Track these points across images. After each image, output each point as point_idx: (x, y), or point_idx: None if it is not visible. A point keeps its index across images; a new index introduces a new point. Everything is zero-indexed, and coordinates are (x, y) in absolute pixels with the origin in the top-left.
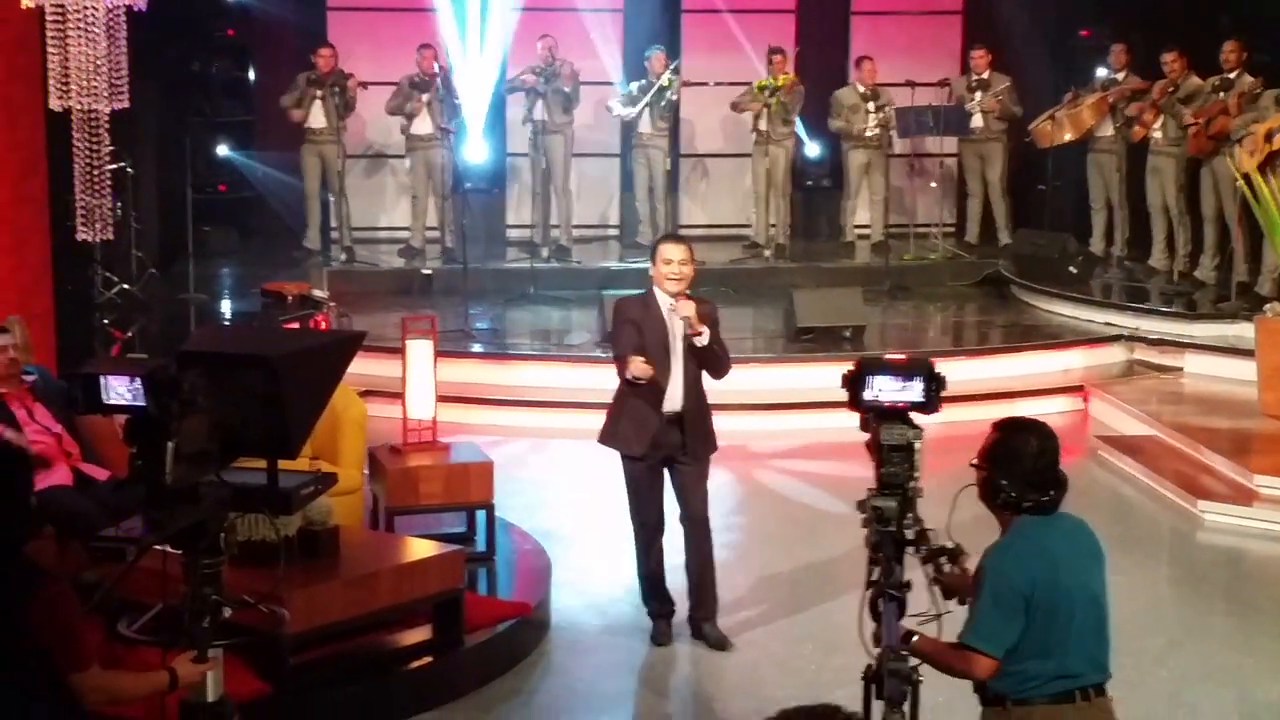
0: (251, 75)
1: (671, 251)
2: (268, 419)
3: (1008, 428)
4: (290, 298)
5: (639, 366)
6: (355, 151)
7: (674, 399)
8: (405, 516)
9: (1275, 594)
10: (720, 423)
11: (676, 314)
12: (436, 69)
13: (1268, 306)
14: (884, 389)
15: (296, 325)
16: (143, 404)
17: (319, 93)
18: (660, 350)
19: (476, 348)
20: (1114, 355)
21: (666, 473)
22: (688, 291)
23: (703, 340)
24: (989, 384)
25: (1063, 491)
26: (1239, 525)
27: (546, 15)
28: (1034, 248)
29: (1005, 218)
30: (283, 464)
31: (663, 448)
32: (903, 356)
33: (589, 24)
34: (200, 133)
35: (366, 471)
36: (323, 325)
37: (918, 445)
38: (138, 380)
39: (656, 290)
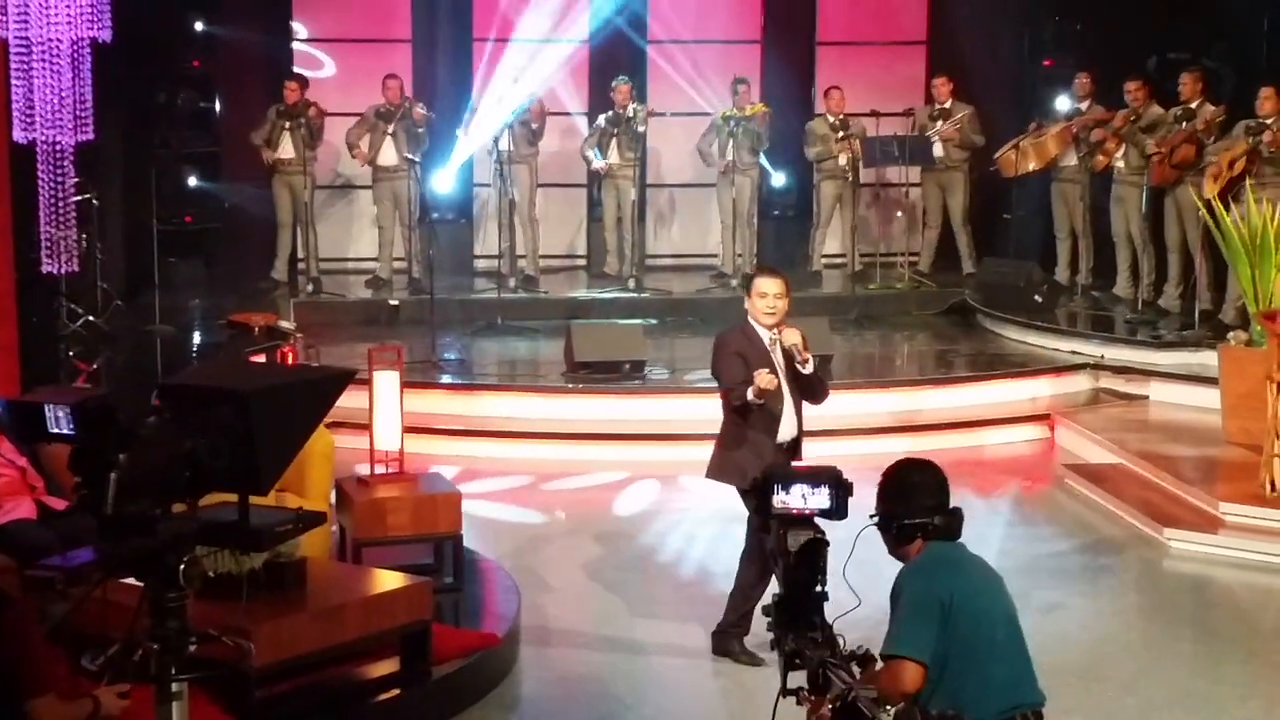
0: (217, 106)
1: (767, 285)
2: (238, 454)
3: (891, 468)
4: (257, 329)
5: (765, 378)
6: (323, 182)
7: (788, 427)
8: (373, 548)
9: (1242, 621)
10: (686, 453)
11: (781, 342)
12: (402, 99)
13: (1231, 335)
14: (791, 498)
15: (263, 356)
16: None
17: (287, 124)
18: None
19: (445, 378)
20: (1079, 383)
21: None
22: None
23: (809, 368)
24: (955, 413)
25: (960, 518)
26: (1205, 553)
27: (513, 46)
28: (999, 277)
29: (968, 247)
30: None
31: None
32: (809, 465)
33: (554, 55)
34: (166, 164)
35: (334, 503)
36: (289, 357)
37: (824, 551)
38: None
39: (752, 322)
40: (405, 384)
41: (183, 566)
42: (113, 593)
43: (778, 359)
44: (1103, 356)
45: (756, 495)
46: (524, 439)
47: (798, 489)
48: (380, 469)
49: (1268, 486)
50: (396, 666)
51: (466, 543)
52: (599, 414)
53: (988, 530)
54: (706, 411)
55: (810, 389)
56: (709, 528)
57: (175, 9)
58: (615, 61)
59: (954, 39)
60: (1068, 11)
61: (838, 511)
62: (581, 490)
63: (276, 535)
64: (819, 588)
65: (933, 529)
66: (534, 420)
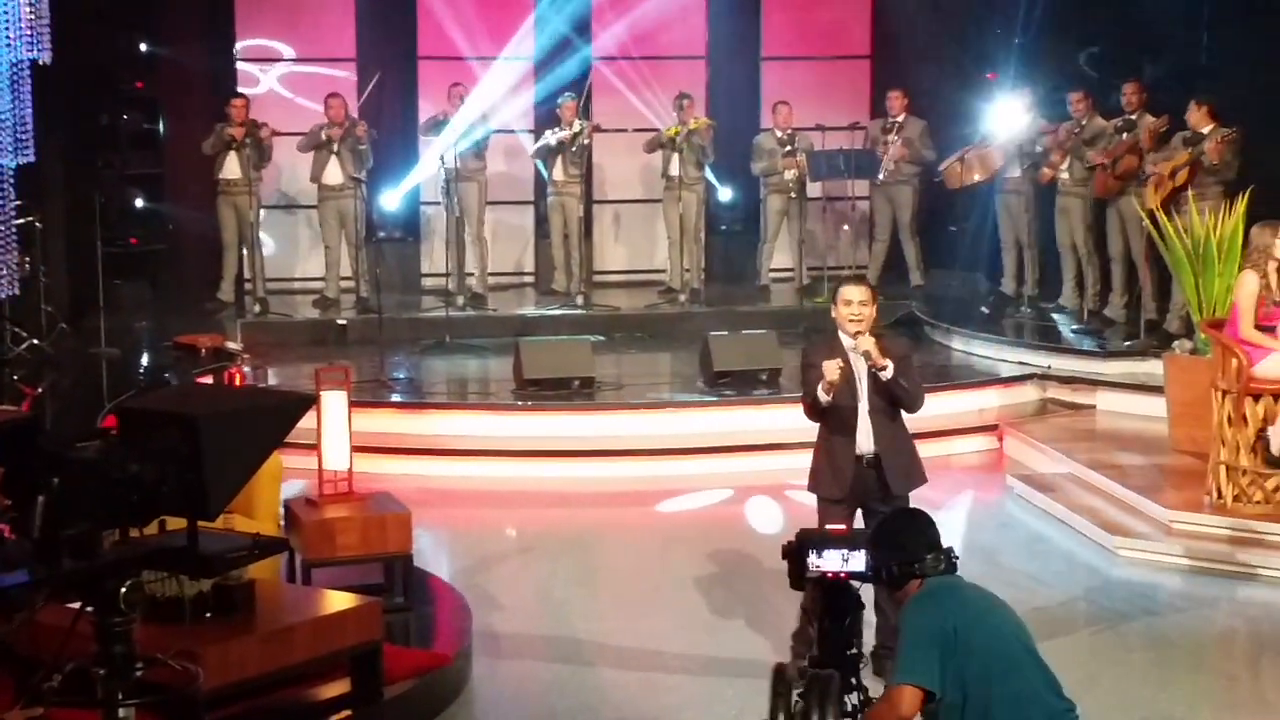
0: (161, 127)
1: (851, 293)
2: (187, 478)
3: (880, 522)
4: (203, 350)
5: (831, 367)
6: (269, 202)
7: (865, 441)
8: (322, 569)
9: (1190, 628)
10: (637, 468)
11: (856, 350)
12: (346, 118)
13: (1176, 344)
14: (827, 561)
15: (210, 378)
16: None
17: (233, 143)
18: (847, 392)
19: (393, 397)
20: (1027, 394)
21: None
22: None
23: (887, 374)
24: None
25: (952, 555)
26: (1153, 561)
27: (458, 64)
28: (946, 288)
29: (916, 259)
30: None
31: (860, 492)
32: (843, 528)
33: (500, 72)
34: (110, 185)
35: (282, 524)
36: (237, 378)
37: (860, 614)
38: None
39: (840, 334)
40: (354, 403)
41: (124, 591)
42: (54, 616)
43: (859, 369)
44: (1049, 367)
45: (792, 559)
46: (474, 457)
47: (834, 552)
48: (329, 489)
49: (1214, 494)
50: (347, 687)
51: (417, 562)
52: (549, 431)
53: None
54: (656, 427)
55: (898, 398)
56: (658, 542)
57: (118, 30)
58: (561, 78)
59: (898, 53)
60: (1009, 24)
61: (874, 575)
62: (532, 507)
63: (228, 562)
64: (853, 650)
65: (927, 566)
66: (484, 438)
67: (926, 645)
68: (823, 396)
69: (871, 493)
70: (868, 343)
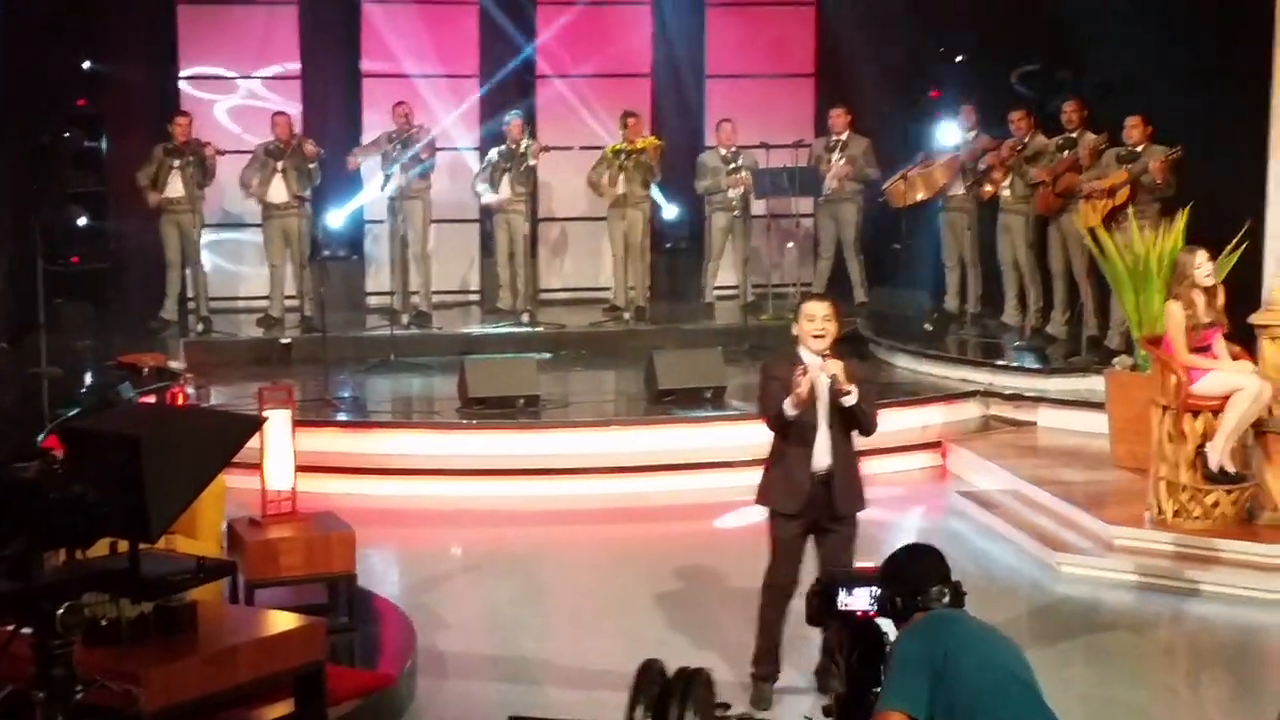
0: (104, 145)
1: (814, 308)
2: (129, 499)
3: (893, 556)
4: (146, 370)
5: (801, 380)
6: (212, 220)
7: (821, 457)
8: (266, 589)
9: (1132, 644)
10: (582, 487)
11: (824, 372)
12: (291, 136)
13: (1117, 360)
14: (856, 599)
15: (153, 398)
16: None
17: (176, 162)
18: (807, 408)
19: (338, 416)
20: (970, 411)
21: (811, 537)
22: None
23: (850, 400)
24: None
25: (960, 589)
26: (1095, 576)
27: (403, 81)
28: (890, 306)
29: (860, 276)
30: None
31: (813, 508)
32: (870, 565)
33: (445, 90)
34: (52, 204)
35: (225, 544)
36: (179, 398)
37: (885, 651)
38: None
39: (801, 349)
40: (298, 423)
41: (61, 613)
42: None
43: (821, 387)
44: (992, 383)
45: (820, 597)
46: (419, 476)
47: (863, 591)
48: (273, 509)
49: (1155, 509)
50: (291, 708)
51: (361, 582)
52: (494, 449)
53: (879, 559)
54: (601, 445)
55: (855, 421)
56: (604, 561)
57: (61, 48)
58: (506, 96)
59: (842, 71)
60: (952, 43)
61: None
62: (477, 526)
63: (171, 585)
64: (879, 688)
65: (931, 599)
66: (429, 457)
67: (914, 671)
68: (789, 410)
69: (822, 510)
70: (835, 367)
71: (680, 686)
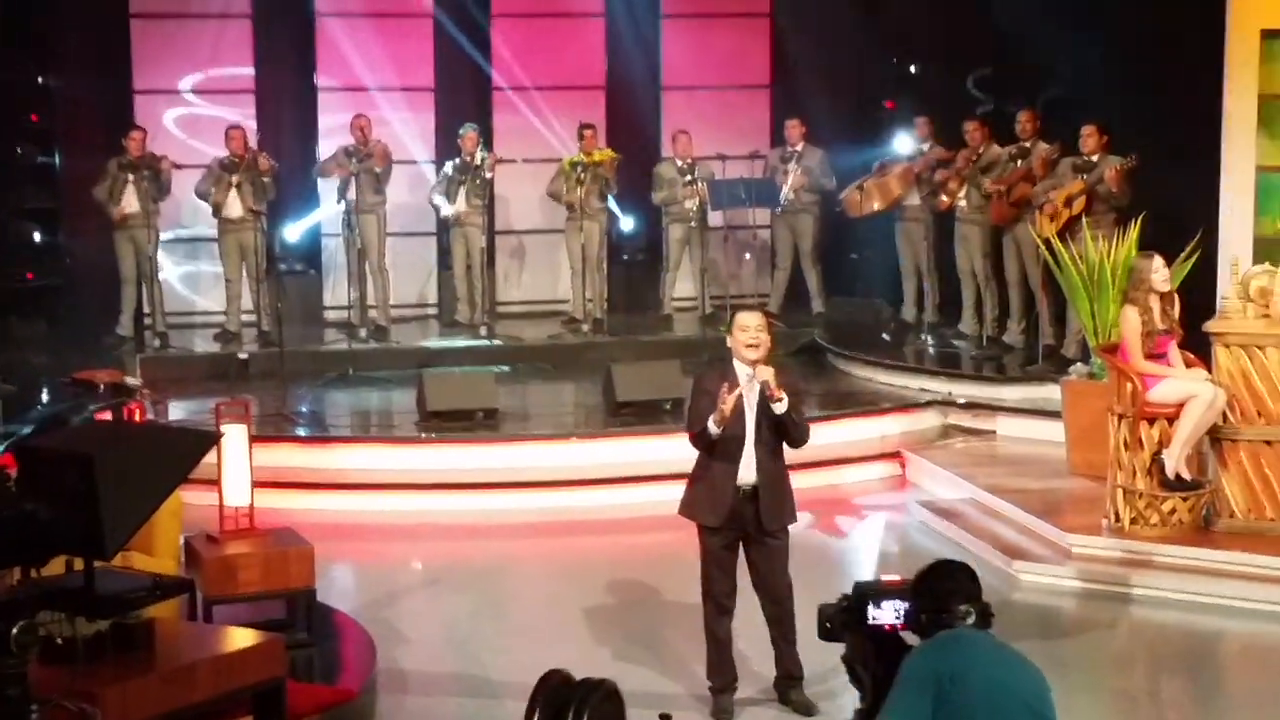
0: (57, 160)
1: (747, 319)
2: (83, 517)
3: (926, 571)
4: (101, 386)
5: (729, 398)
6: (167, 235)
7: (748, 471)
8: (224, 605)
9: (1089, 652)
10: (541, 499)
11: (756, 379)
12: (246, 150)
13: (1073, 369)
14: (884, 613)
15: (109, 414)
16: None
17: (130, 177)
18: (736, 422)
19: (296, 431)
20: (928, 420)
21: (742, 548)
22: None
23: (781, 407)
24: (807, 452)
25: (988, 610)
26: (1053, 585)
27: (358, 94)
28: (848, 316)
29: (817, 287)
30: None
31: (738, 521)
32: (898, 579)
33: (401, 103)
34: (5, 220)
35: (183, 561)
36: (136, 413)
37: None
38: None
39: (735, 362)
40: (255, 438)
41: (15, 632)
42: None
43: (751, 399)
44: (950, 393)
45: (846, 612)
46: (377, 490)
47: (889, 604)
48: (230, 525)
49: (1112, 517)
50: None
51: (321, 597)
52: (453, 463)
53: (840, 568)
54: (560, 458)
55: (786, 432)
56: (564, 574)
57: (14, 63)
58: (461, 108)
59: (797, 82)
60: (905, 54)
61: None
62: (437, 540)
63: (128, 602)
64: None
65: (955, 617)
66: (387, 471)
67: (918, 690)
68: (713, 429)
69: (749, 523)
70: (767, 372)
71: (579, 696)
